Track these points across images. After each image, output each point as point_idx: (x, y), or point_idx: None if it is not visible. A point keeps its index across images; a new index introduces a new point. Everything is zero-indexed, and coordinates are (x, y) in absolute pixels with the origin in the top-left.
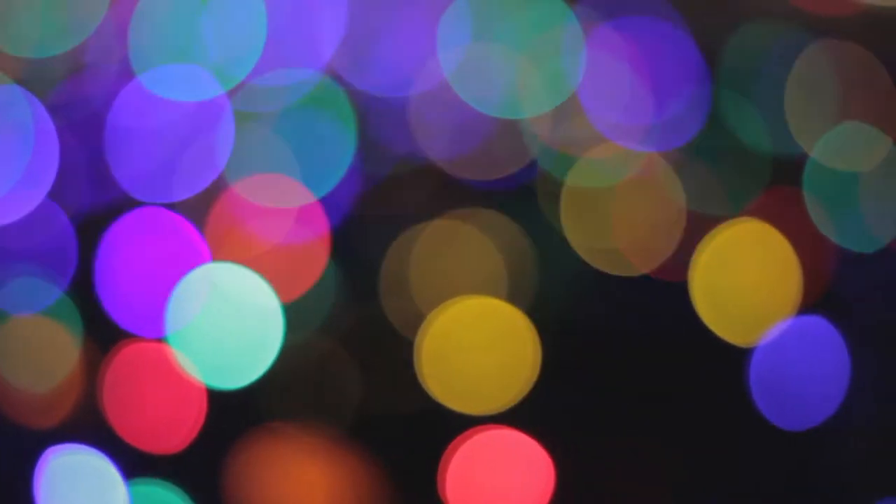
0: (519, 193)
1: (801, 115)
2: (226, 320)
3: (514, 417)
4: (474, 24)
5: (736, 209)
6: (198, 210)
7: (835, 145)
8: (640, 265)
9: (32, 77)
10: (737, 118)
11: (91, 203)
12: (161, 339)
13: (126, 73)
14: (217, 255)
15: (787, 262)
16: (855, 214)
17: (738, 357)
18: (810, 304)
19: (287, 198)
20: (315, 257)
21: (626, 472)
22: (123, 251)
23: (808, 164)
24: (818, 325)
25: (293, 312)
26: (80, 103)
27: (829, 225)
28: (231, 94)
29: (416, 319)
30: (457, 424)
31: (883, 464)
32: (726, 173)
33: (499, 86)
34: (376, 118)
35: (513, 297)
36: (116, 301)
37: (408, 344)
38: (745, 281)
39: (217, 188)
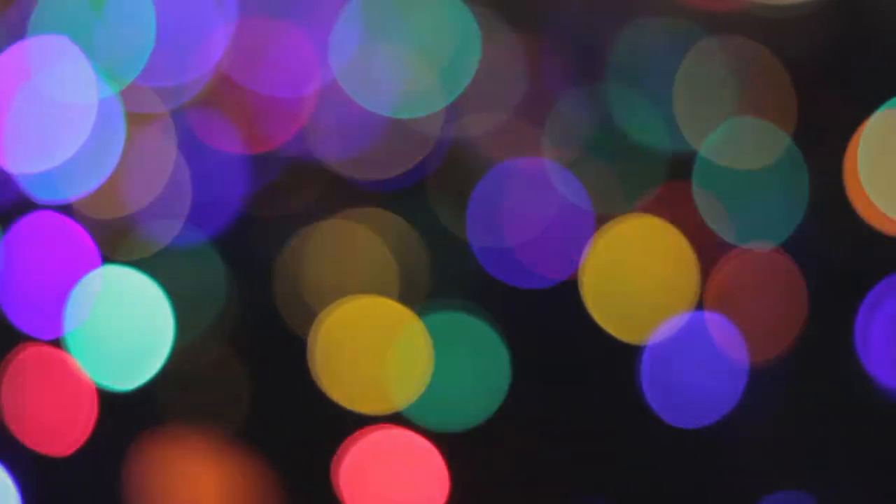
0: (410, 193)
1: (691, 112)
2: (116, 322)
3: (405, 418)
4: (366, 24)
5: (630, 206)
6: (89, 211)
7: (726, 141)
8: (533, 263)
9: None
10: (629, 115)
11: None
12: (55, 342)
13: (20, 73)
14: (108, 257)
15: (681, 258)
16: (750, 210)
17: (632, 355)
18: (706, 301)
19: (177, 198)
20: (205, 258)
21: (519, 471)
22: (18, 254)
23: (697, 161)
24: (713, 321)
25: (184, 313)
26: None
27: (721, 221)
28: (121, 95)
29: (309, 319)
30: (351, 423)
31: (778, 460)
32: (620, 170)
33: (389, 85)
34: (267, 119)
35: (404, 297)
36: (12, 304)
37: (301, 343)
38: (636, 277)
39: (108, 189)
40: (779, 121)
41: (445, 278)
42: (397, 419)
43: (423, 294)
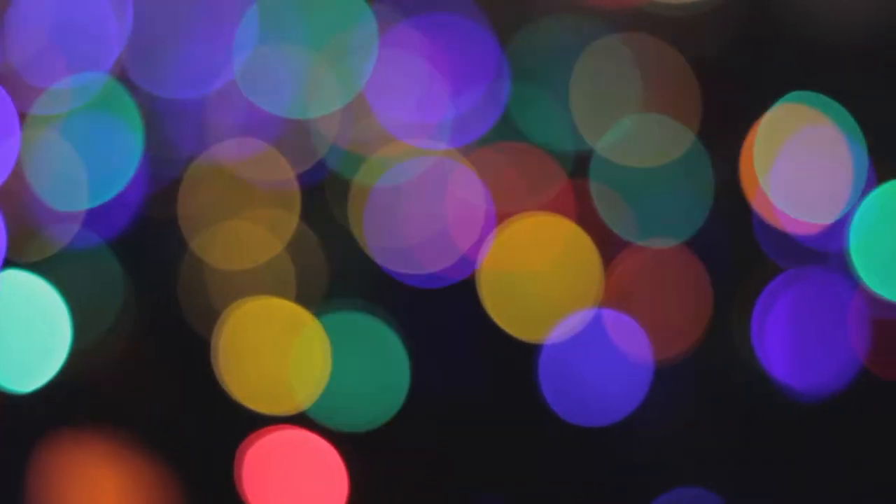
0: (308, 193)
1: (591, 110)
2: (14, 324)
3: (307, 418)
4: (264, 25)
5: (529, 204)
6: None
7: (626, 139)
8: (432, 263)
9: None
10: (528, 114)
11: None
12: None
13: None
14: (4, 260)
15: (581, 255)
16: (652, 207)
17: (531, 353)
18: (607, 299)
19: (76, 201)
20: (103, 260)
21: (418, 470)
22: None
23: (595, 158)
24: (614, 319)
25: (81, 316)
26: None
27: (621, 218)
28: (17, 96)
29: (209, 319)
30: (253, 424)
31: (677, 458)
32: (519, 168)
33: (288, 86)
34: (165, 120)
35: (302, 298)
36: None
37: (202, 343)
38: (534, 276)
39: (5, 192)
40: (681, 117)
41: (344, 278)
42: (298, 419)
43: (321, 294)
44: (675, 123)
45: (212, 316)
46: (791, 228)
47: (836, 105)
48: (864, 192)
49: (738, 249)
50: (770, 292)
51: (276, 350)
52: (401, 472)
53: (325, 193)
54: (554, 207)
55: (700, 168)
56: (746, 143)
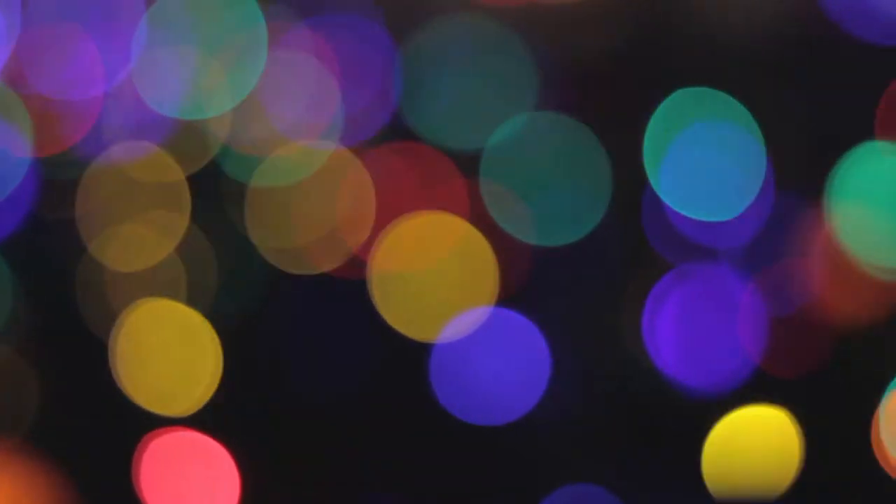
0: (199, 194)
1: (482, 108)
2: None
3: (199, 420)
4: (154, 25)
5: (423, 203)
6: None
7: (519, 137)
8: (325, 263)
9: None
10: (419, 112)
11: None
12: None
13: None
14: None
15: (473, 254)
16: (546, 206)
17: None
18: (501, 298)
19: None
20: None
21: (310, 471)
22: None
23: (487, 157)
24: (508, 318)
25: None
26: None
27: (514, 217)
28: None
29: (101, 322)
30: (147, 425)
31: (573, 454)
32: (410, 166)
33: (179, 87)
34: (56, 121)
35: (192, 300)
36: None
37: (96, 345)
38: (426, 275)
39: None
40: (576, 114)
41: (235, 280)
42: (190, 421)
43: (212, 295)
44: (570, 120)
45: (103, 318)
46: (681, 225)
47: (732, 102)
48: (762, 191)
49: (631, 247)
50: (660, 290)
51: (169, 352)
52: (293, 472)
53: (216, 194)
54: (446, 206)
55: (595, 165)
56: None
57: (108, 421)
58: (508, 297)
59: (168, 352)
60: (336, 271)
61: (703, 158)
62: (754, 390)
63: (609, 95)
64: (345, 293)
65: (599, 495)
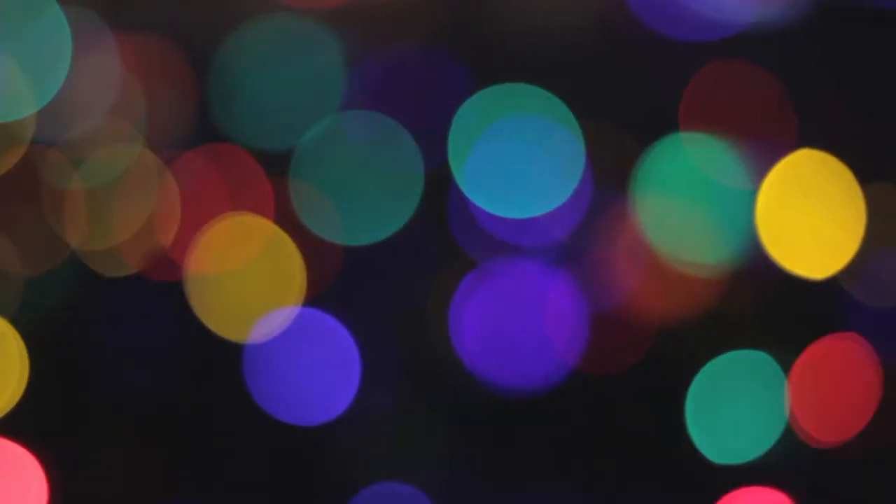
0: (7, 195)
1: (292, 109)
2: None
3: (6, 425)
4: None
5: (232, 205)
6: None
7: (329, 136)
8: (136, 265)
9: None
10: (228, 113)
11: None
12: None
13: None
14: None
15: (280, 255)
16: (355, 204)
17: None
18: (311, 298)
19: None
20: None
21: (121, 475)
22: None
23: (296, 157)
24: (317, 318)
25: None
26: None
27: (321, 216)
28: None
29: None
30: None
31: (383, 452)
32: (221, 169)
33: None
34: None
35: None
36: None
37: None
38: (236, 276)
39: None
40: (390, 112)
41: (46, 282)
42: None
43: (18, 299)
44: (380, 119)
45: None
46: (487, 223)
47: (547, 96)
48: (578, 187)
49: (440, 245)
50: (465, 288)
51: None
52: (103, 476)
53: (23, 196)
54: (255, 208)
55: (405, 164)
56: (443, 138)
57: None
58: (317, 297)
59: None
60: (148, 273)
61: (513, 154)
62: (568, 387)
63: (421, 94)
64: (159, 294)
65: (409, 493)
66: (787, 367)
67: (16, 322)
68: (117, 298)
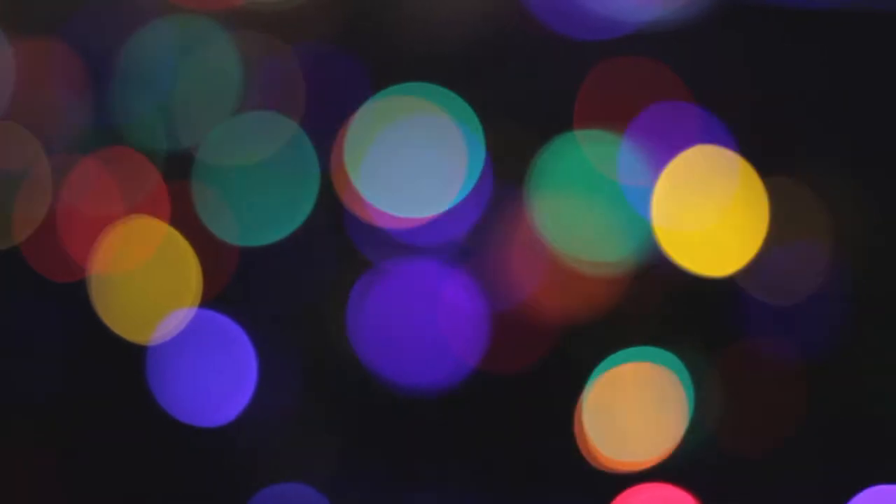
0: None
1: (191, 111)
2: None
3: None
4: None
5: (128, 207)
6: None
7: (226, 137)
8: (37, 266)
9: None
10: (128, 116)
11: None
12: None
13: None
14: None
15: (175, 257)
16: (256, 205)
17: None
18: (207, 299)
19: None
20: None
21: (25, 476)
22: None
23: (193, 159)
24: (213, 319)
25: None
26: None
27: (221, 218)
28: None
29: None
30: None
31: (283, 453)
32: (117, 172)
33: None
34: None
35: None
36: None
37: None
38: (134, 278)
39: None
40: (286, 113)
41: None
42: None
43: None
44: (279, 120)
45: None
46: (382, 223)
47: (448, 95)
48: (476, 187)
49: (337, 245)
50: (361, 288)
51: None
52: (6, 477)
53: None
54: (152, 210)
55: (303, 164)
56: (339, 138)
57: None
58: (214, 298)
59: None
60: (50, 274)
61: (410, 154)
62: (469, 386)
63: (319, 94)
64: (61, 295)
65: (308, 494)
66: (689, 364)
67: None
68: (18, 299)
